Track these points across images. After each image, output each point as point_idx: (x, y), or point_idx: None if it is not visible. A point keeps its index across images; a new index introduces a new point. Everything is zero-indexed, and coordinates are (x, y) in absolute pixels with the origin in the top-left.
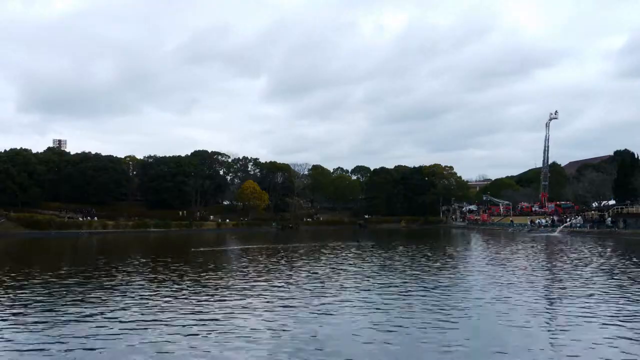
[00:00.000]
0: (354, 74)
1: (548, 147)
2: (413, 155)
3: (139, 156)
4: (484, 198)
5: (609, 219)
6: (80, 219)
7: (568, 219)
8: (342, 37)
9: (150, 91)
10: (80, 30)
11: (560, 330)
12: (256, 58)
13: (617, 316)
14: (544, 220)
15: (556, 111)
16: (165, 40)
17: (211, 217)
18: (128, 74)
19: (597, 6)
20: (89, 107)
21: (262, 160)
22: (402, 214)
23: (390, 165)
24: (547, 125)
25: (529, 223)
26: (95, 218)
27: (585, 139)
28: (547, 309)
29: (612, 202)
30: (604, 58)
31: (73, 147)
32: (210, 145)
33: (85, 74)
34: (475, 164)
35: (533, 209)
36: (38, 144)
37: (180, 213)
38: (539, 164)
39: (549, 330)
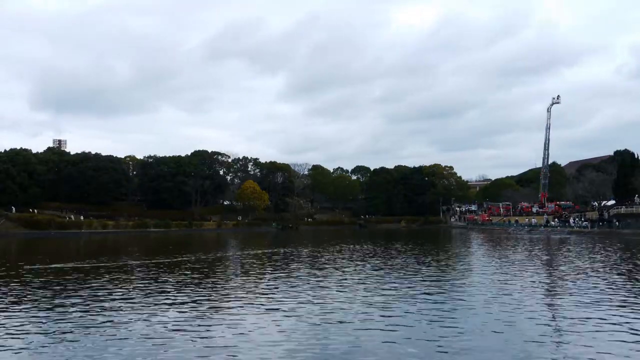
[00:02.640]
0: (376, 71)
1: (549, 139)
2: (425, 154)
3: (139, 156)
4: (484, 206)
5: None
6: (73, 217)
7: (572, 219)
8: (372, 33)
9: (169, 89)
10: (103, 26)
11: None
12: (281, 54)
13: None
14: (549, 221)
15: (558, 95)
16: (190, 37)
17: (210, 218)
18: (147, 71)
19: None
20: (105, 105)
21: (268, 160)
22: (402, 214)
23: (398, 164)
24: (549, 110)
25: (527, 221)
26: (83, 217)
27: (589, 139)
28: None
29: (611, 202)
30: (627, 56)
31: (78, 147)
32: (221, 144)
33: (103, 71)
34: (483, 164)
35: (533, 209)
36: (38, 144)
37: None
38: (539, 164)
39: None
